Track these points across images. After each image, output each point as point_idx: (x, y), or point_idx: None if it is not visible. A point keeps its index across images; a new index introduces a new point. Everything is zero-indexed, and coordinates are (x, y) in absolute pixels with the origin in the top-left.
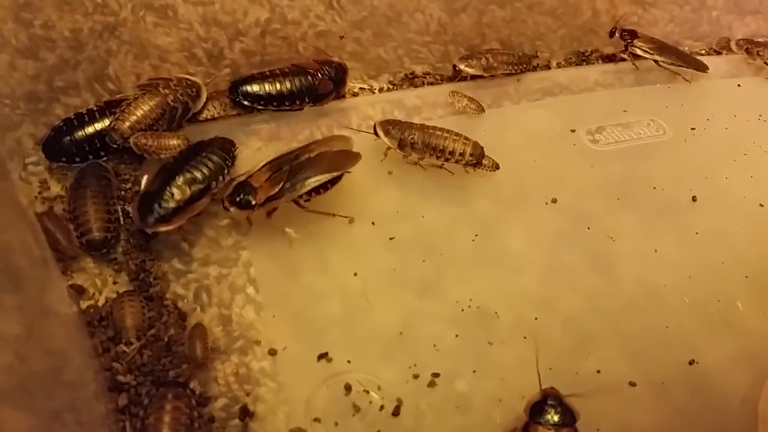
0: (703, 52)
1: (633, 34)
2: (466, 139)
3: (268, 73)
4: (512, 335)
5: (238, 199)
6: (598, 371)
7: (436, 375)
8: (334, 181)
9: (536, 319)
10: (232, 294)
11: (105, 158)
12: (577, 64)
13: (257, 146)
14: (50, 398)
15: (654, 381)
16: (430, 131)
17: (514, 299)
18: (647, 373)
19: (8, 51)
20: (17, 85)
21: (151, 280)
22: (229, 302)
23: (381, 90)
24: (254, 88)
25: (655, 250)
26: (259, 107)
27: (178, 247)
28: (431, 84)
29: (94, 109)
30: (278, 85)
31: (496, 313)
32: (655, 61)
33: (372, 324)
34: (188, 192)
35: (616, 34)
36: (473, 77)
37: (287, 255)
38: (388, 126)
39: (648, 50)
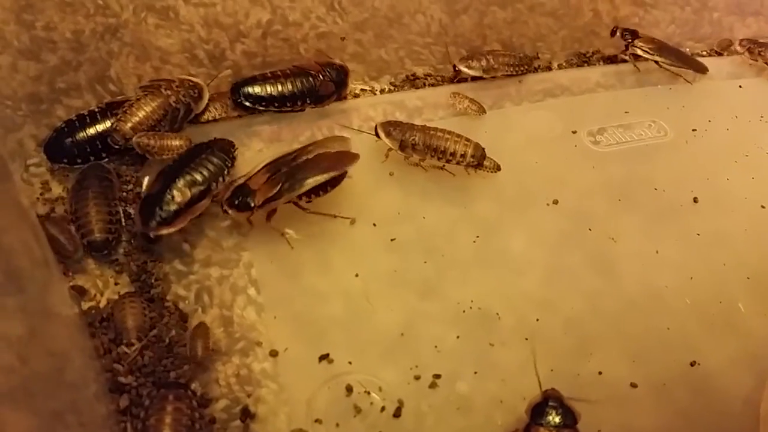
0: (704, 53)
1: (634, 34)
2: (468, 140)
3: (269, 74)
4: (513, 336)
5: (236, 202)
6: (600, 373)
7: (437, 376)
8: (334, 183)
9: (537, 320)
10: (234, 295)
11: (106, 159)
12: (578, 66)
13: (258, 147)
14: (52, 399)
15: (655, 382)
16: (432, 132)
17: (515, 300)
18: (649, 374)
19: (10, 52)
20: (19, 87)
21: (153, 281)
22: (230, 303)
23: (382, 91)
24: (256, 89)
25: (657, 252)
26: (261, 108)
27: (179, 249)
28: (432, 85)
29: (96, 110)
30: (280, 87)
31: (497, 314)
32: (656, 62)
33: (373, 325)
34: (189, 194)
35: (618, 34)
36: (474, 78)
37: (288, 256)
38: (390, 127)
39: (648, 50)
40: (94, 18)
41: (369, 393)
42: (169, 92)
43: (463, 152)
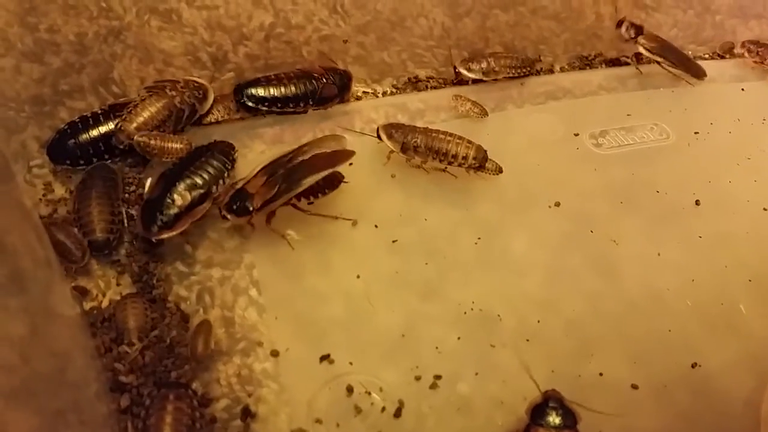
0: (706, 56)
1: (639, 30)
2: (469, 142)
3: (272, 76)
4: (514, 338)
5: (234, 206)
6: (601, 374)
7: (438, 377)
8: (332, 185)
9: (539, 321)
10: (235, 296)
11: (108, 161)
12: (580, 68)
13: (261, 149)
14: (53, 398)
15: (656, 384)
16: (433, 135)
17: (516, 302)
18: (649, 375)
19: (14, 55)
20: (22, 89)
21: (154, 282)
22: (231, 304)
23: (384, 94)
24: (259, 90)
25: (659, 254)
26: (263, 109)
27: (181, 250)
28: (434, 88)
29: (99, 112)
30: (282, 88)
31: (498, 315)
32: (656, 62)
33: (374, 326)
34: (189, 197)
35: (624, 27)
36: (475, 81)
37: (290, 257)
38: (391, 129)
39: (649, 49)
40: (98, 21)
41: (370, 393)
42: (173, 93)
43: (464, 154)
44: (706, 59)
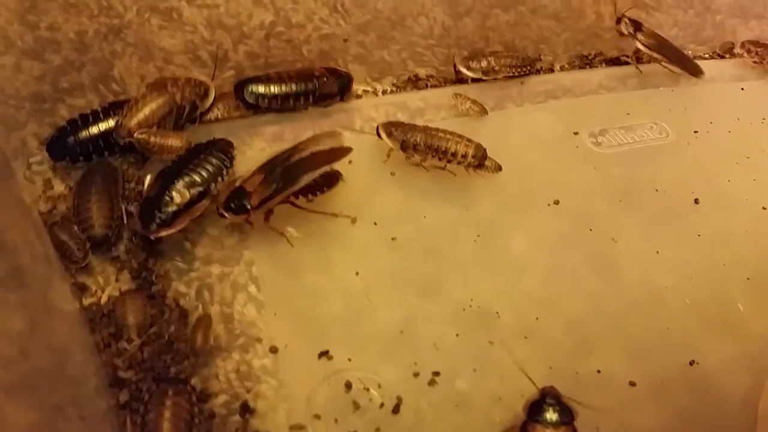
0: (706, 56)
1: (638, 26)
2: (469, 140)
3: (273, 74)
4: (513, 335)
5: (232, 205)
6: (599, 371)
7: (436, 374)
8: (331, 183)
9: (537, 319)
10: (234, 292)
11: (108, 158)
12: (580, 68)
13: (261, 147)
14: (53, 393)
15: (654, 381)
16: (433, 133)
17: (515, 299)
18: (647, 373)
19: (14, 52)
20: (22, 86)
21: (154, 278)
22: (230, 300)
23: (384, 92)
24: (259, 87)
25: (657, 252)
26: (263, 106)
27: (180, 246)
28: (434, 86)
29: (99, 110)
30: (283, 86)
31: (497, 313)
32: (654, 59)
33: (373, 323)
34: (188, 195)
35: (623, 22)
36: (475, 80)
37: (289, 254)
38: (391, 127)
39: (647, 45)
40: (98, 19)
41: (368, 389)
42: (174, 90)
43: (464, 153)
44: (706, 59)
